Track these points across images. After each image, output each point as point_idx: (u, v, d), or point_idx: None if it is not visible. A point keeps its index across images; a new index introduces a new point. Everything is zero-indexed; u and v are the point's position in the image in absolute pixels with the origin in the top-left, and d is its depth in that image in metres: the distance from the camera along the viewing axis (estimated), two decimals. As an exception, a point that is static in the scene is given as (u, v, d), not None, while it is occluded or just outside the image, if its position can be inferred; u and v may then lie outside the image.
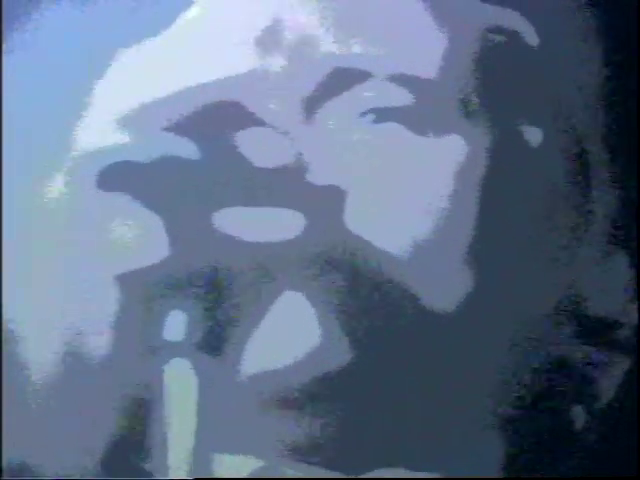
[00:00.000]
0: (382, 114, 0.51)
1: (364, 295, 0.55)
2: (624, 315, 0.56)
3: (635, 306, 0.56)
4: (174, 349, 0.46)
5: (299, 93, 0.50)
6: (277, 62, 0.51)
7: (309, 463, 0.53)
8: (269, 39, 0.52)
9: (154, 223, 0.47)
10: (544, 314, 0.53)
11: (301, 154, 0.49)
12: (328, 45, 0.51)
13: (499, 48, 0.54)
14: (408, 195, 0.50)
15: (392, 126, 0.51)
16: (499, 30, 0.54)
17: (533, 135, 0.54)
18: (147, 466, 0.47)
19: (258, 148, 0.48)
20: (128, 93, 0.52)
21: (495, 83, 0.53)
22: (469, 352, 0.53)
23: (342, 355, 0.50)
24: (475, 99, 0.51)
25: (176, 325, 0.46)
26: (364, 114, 0.50)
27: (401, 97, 0.51)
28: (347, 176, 0.50)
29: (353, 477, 0.54)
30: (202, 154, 0.49)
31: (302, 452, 0.53)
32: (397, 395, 0.53)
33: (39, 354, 0.49)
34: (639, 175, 0.57)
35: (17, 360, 0.50)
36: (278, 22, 0.52)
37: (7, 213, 0.56)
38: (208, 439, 0.49)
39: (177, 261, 0.47)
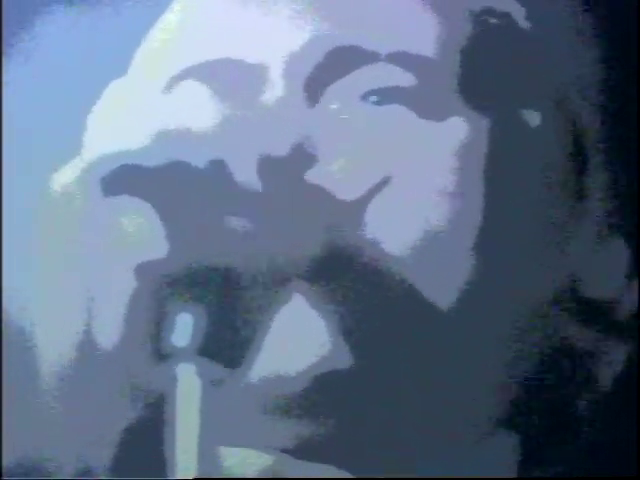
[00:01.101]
0: (384, 95, 0.51)
1: (369, 293, 0.55)
2: (622, 297, 0.56)
3: (633, 288, 0.56)
4: (180, 353, 0.46)
5: (302, 76, 0.51)
6: (278, 47, 0.51)
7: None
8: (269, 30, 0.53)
9: (163, 224, 0.47)
10: (543, 298, 0.53)
11: (306, 139, 0.49)
12: (327, 27, 0.52)
13: (494, 30, 0.55)
14: (411, 180, 0.50)
15: (394, 108, 0.52)
16: (492, 12, 0.55)
17: (530, 117, 0.54)
18: (155, 461, 0.47)
19: (263, 136, 0.49)
20: (138, 97, 0.53)
21: (492, 65, 0.54)
22: (470, 342, 0.53)
23: (348, 358, 0.50)
24: (473, 80, 0.51)
25: (183, 328, 0.46)
26: (366, 95, 0.50)
27: (402, 78, 0.51)
28: (351, 160, 0.50)
29: (353, 477, 0.54)
30: (209, 146, 0.49)
31: (307, 455, 0.53)
32: (402, 392, 0.53)
33: (47, 349, 0.49)
34: (638, 157, 0.57)
35: (24, 356, 0.51)
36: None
37: (18, 208, 0.56)
38: (214, 439, 0.49)
39: (185, 262, 0.47)
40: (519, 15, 0.56)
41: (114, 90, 0.53)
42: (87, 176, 0.48)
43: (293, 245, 0.49)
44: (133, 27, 0.62)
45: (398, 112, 0.52)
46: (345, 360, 0.51)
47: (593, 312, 0.57)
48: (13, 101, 0.62)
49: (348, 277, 0.50)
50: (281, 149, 0.48)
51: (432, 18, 0.54)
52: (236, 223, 0.47)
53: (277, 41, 0.52)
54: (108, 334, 0.46)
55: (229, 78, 0.52)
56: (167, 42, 0.57)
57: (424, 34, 0.54)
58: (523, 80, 0.55)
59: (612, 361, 0.57)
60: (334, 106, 0.52)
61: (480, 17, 0.55)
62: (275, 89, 0.51)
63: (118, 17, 0.64)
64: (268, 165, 0.48)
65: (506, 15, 0.55)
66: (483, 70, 0.54)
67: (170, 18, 0.58)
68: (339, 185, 0.50)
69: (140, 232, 0.47)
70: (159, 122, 0.51)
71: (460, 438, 0.57)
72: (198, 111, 0.51)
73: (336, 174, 0.50)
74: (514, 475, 0.59)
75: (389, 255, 0.51)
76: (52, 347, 0.48)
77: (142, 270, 0.45)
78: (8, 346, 0.54)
